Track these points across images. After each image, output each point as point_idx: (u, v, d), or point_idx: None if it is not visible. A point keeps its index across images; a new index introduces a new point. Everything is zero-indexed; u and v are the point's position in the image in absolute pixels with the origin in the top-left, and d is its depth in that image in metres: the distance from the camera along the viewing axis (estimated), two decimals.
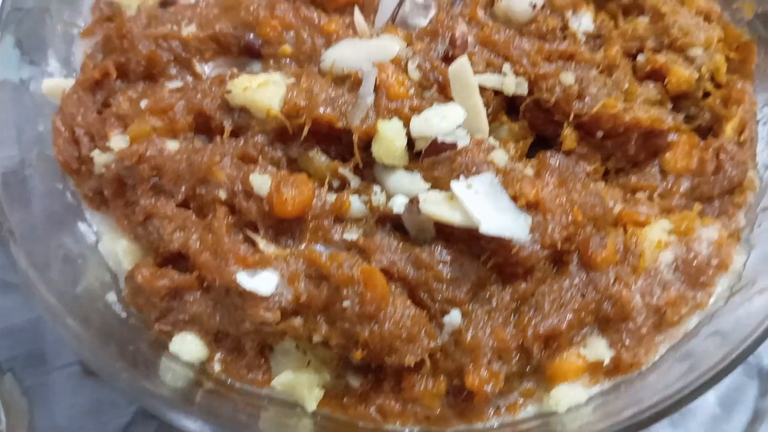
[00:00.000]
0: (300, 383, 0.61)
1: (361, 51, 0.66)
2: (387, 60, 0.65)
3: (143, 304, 0.63)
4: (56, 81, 0.71)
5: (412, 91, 0.64)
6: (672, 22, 0.71)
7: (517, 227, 0.56)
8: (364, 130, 0.62)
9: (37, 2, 0.73)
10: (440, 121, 0.61)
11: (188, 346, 0.62)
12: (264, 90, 0.64)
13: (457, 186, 0.58)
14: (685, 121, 0.72)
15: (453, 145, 0.61)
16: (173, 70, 0.70)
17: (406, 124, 0.62)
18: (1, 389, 0.84)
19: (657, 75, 0.70)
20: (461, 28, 0.66)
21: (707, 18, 0.75)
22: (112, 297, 0.64)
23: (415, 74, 0.65)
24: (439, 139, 0.60)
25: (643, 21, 0.73)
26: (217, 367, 0.62)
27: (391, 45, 0.65)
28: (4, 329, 0.88)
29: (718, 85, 0.73)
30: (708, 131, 0.72)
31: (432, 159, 0.61)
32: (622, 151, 0.69)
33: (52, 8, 0.74)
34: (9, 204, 0.63)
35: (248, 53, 0.70)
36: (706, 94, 0.73)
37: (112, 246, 0.67)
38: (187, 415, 0.56)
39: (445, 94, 0.65)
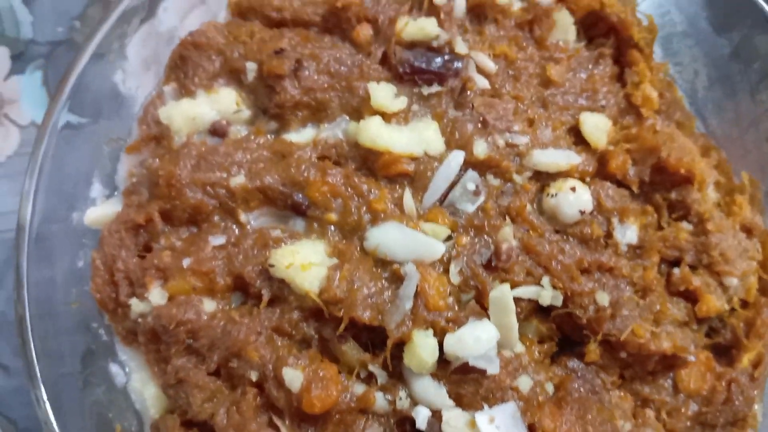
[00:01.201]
0: None
1: (407, 242, 0.66)
2: (431, 259, 0.66)
3: None
4: (98, 211, 0.71)
5: (450, 300, 0.65)
6: (714, 243, 0.72)
7: None
8: (399, 337, 0.63)
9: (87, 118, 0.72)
10: (473, 344, 0.62)
11: None
12: (306, 273, 0.65)
13: (481, 419, 0.61)
14: (706, 334, 0.74)
15: (483, 371, 0.63)
16: (216, 217, 0.70)
17: (441, 337, 0.63)
18: None
19: (689, 295, 0.72)
20: (507, 238, 0.67)
21: (749, 232, 0.75)
22: None
23: (456, 278, 0.66)
24: (470, 362, 0.62)
25: (686, 228, 0.73)
26: None
27: (437, 247, 0.66)
28: (20, 387, 0.91)
29: (745, 303, 0.74)
30: (726, 349, 0.74)
31: (460, 376, 0.64)
32: (641, 366, 0.71)
33: (101, 127, 0.73)
34: (41, 347, 0.64)
35: (294, 210, 0.70)
36: (733, 309, 0.74)
37: (141, 388, 0.70)
38: None
39: (481, 303, 0.66)
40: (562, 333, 0.71)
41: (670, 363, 0.71)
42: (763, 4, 0.75)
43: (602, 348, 0.69)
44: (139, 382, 0.70)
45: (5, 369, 0.91)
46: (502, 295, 0.64)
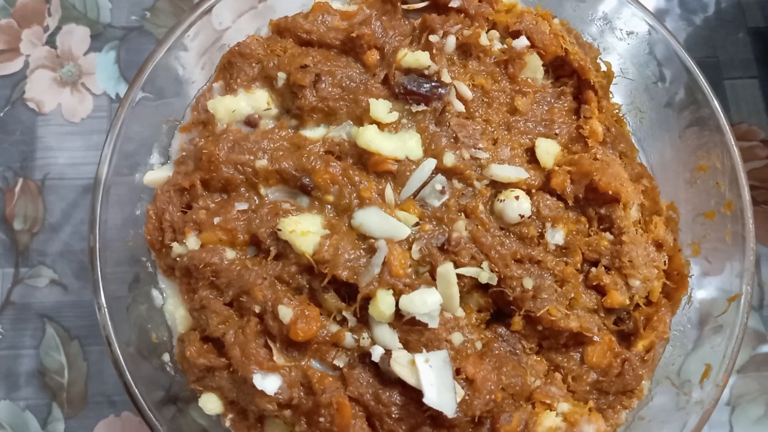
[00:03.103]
0: None
1: (383, 224, 0.87)
2: (399, 238, 0.86)
3: (187, 368, 0.89)
4: (155, 174, 0.93)
5: (410, 270, 0.86)
6: (626, 251, 0.91)
7: (449, 405, 0.80)
8: (367, 293, 0.84)
9: (153, 100, 0.94)
10: (421, 304, 0.83)
11: (211, 404, 0.88)
12: (304, 238, 0.86)
13: (419, 359, 0.82)
14: (614, 323, 0.94)
15: (425, 325, 0.83)
16: (243, 189, 0.92)
17: (398, 297, 0.84)
18: (67, 351, 1.13)
19: (600, 289, 0.91)
20: (458, 229, 0.87)
21: (660, 247, 0.94)
22: (166, 357, 0.90)
23: (416, 255, 0.86)
24: (417, 317, 0.83)
25: (608, 237, 0.93)
26: (227, 423, 0.89)
27: (404, 229, 0.86)
28: (76, 303, 1.15)
29: (649, 302, 0.94)
30: (628, 336, 0.94)
31: (409, 326, 0.85)
32: (555, 338, 0.91)
33: (162, 110, 0.95)
34: (104, 270, 0.87)
35: (301, 190, 0.92)
36: (638, 305, 0.94)
37: (173, 310, 0.92)
38: None
39: (433, 276, 0.86)
40: (497, 306, 0.91)
41: (580, 340, 0.91)
42: (693, 65, 0.93)
43: (525, 321, 0.89)
44: (172, 305, 0.92)
45: (65, 287, 1.15)
46: (446, 270, 0.84)
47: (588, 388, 0.91)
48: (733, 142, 0.89)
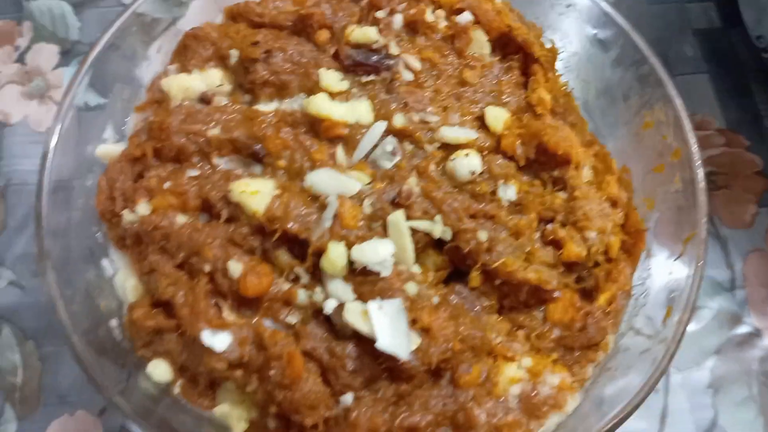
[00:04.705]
0: (233, 414, 0.84)
1: (333, 182, 0.87)
2: (350, 194, 0.86)
3: (134, 333, 0.86)
4: (108, 147, 0.94)
5: (361, 223, 0.85)
6: (580, 206, 0.91)
7: (403, 349, 0.77)
8: (318, 246, 0.83)
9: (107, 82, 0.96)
10: (372, 255, 0.82)
11: (160, 370, 0.84)
12: (255, 197, 0.86)
13: (372, 306, 0.80)
14: (576, 281, 0.92)
15: (377, 274, 0.82)
16: (195, 158, 0.92)
17: (350, 249, 0.83)
18: (22, 351, 1.09)
19: (556, 244, 0.90)
20: (410, 184, 0.87)
21: (615, 204, 0.94)
22: (114, 323, 0.87)
23: (368, 209, 0.86)
24: (369, 267, 0.82)
25: (562, 196, 0.93)
26: (177, 389, 0.85)
27: (355, 184, 0.86)
28: (33, 304, 1.13)
29: (609, 259, 0.93)
30: (590, 292, 0.92)
31: (362, 278, 0.83)
32: (515, 295, 0.89)
33: (115, 89, 0.97)
34: (53, 239, 0.86)
35: (253, 158, 0.92)
36: (598, 263, 0.93)
37: (124, 281, 0.90)
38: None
39: (386, 229, 0.86)
40: (454, 264, 0.90)
41: (541, 297, 0.89)
42: (629, 27, 0.97)
43: (483, 277, 0.88)
44: (122, 276, 0.90)
45: (22, 288, 1.13)
46: (396, 219, 0.84)
47: (552, 345, 0.88)
48: (674, 93, 0.91)
